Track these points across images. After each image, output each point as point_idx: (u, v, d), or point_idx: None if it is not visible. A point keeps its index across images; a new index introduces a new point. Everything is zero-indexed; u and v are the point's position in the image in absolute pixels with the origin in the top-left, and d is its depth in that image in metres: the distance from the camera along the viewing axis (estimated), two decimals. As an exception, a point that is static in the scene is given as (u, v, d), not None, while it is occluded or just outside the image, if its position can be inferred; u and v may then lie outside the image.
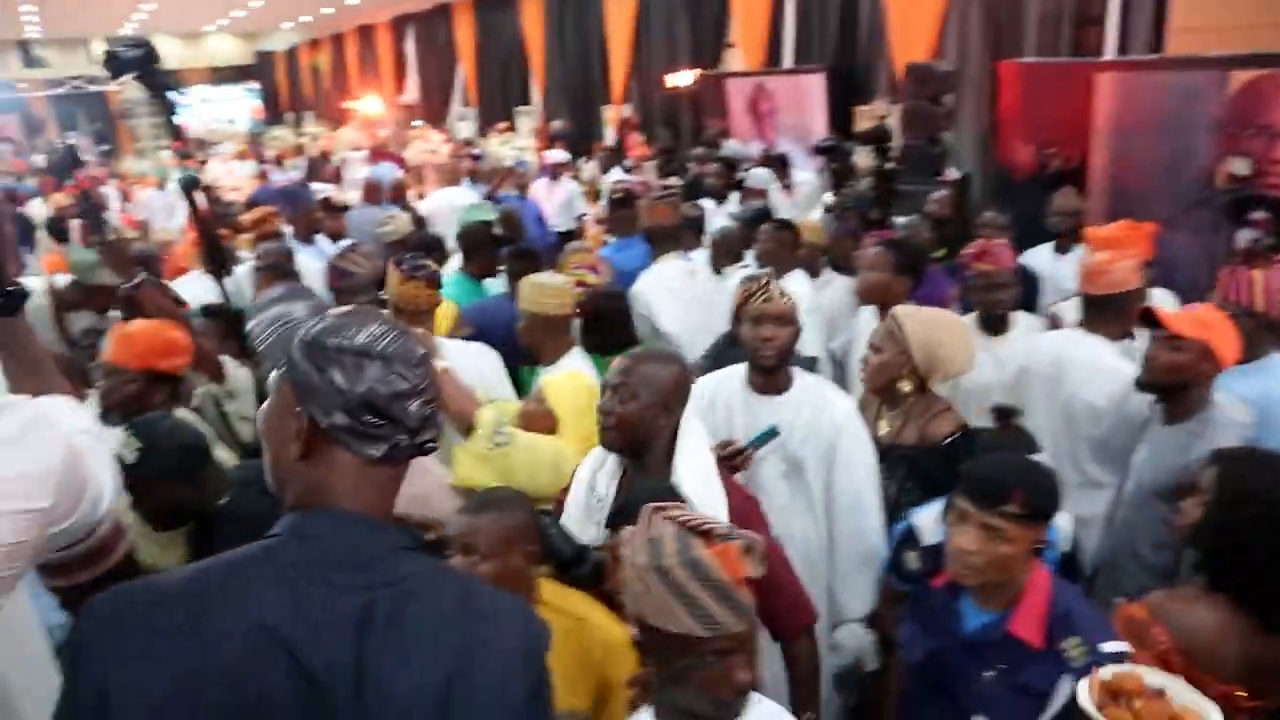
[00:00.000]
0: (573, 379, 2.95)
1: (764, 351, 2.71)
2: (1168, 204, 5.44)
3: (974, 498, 1.90)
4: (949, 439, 2.73)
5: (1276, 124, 4.99)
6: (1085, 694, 1.56)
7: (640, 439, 2.27)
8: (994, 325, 3.51)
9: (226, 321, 3.54)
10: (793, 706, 2.11)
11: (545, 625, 1.28)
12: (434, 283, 3.17)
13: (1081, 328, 3.19)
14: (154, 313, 3.45)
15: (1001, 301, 3.50)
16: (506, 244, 4.46)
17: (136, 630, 1.09)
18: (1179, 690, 1.54)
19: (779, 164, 7.73)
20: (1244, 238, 4.76)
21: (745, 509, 2.28)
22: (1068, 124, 6.07)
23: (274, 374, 1.28)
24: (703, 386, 2.85)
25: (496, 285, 4.33)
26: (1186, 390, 2.55)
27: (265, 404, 1.28)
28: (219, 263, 4.07)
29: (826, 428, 2.69)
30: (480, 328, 3.53)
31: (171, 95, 4.10)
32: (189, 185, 4.01)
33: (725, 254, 4.61)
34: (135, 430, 2.28)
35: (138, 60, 3.77)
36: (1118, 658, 1.76)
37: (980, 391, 3.27)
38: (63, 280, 4.42)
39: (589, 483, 2.40)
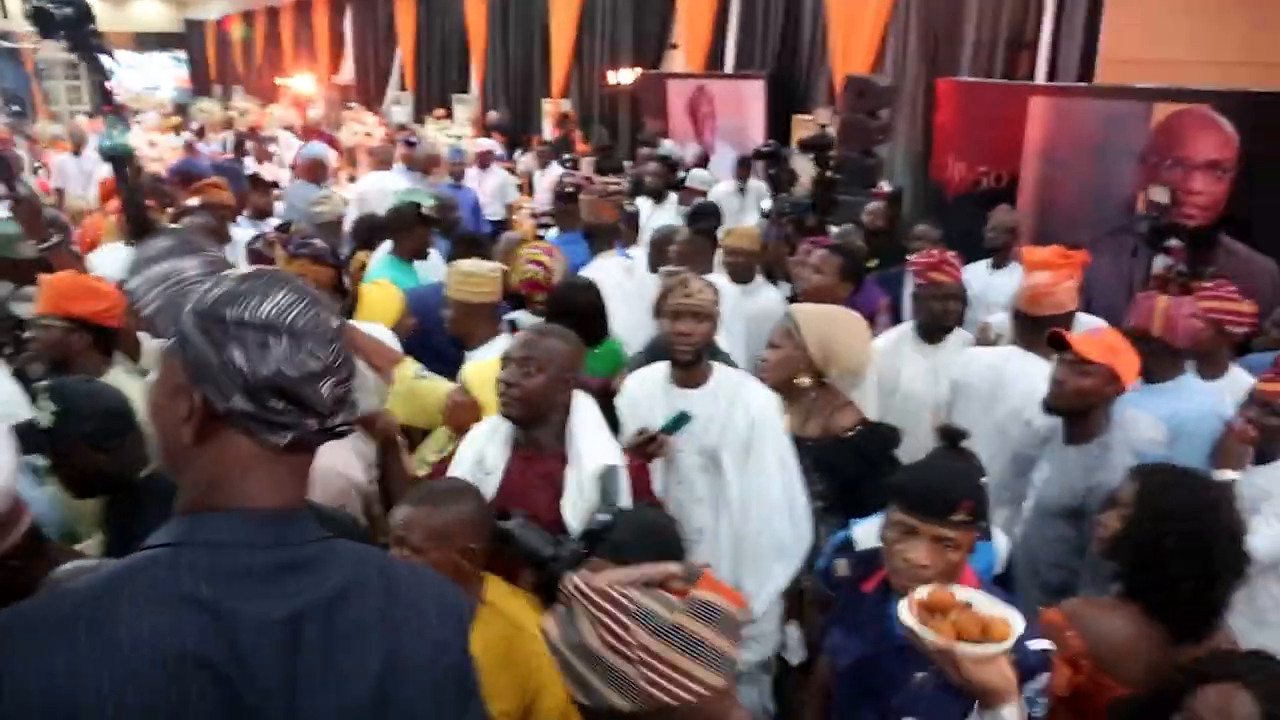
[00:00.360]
0: (494, 365, 2.92)
1: (681, 346, 2.76)
2: (1092, 227, 5.63)
3: (923, 511, 1.86)
4: (851, 431, 2.82)
5: (1194, 157, 5.19)
6: (905, 612, 1.64)
7: (540, 411, 2.36)
8: (932, 335, 3.56)
9: None
10: None
11: (462, 593, 1.23)
12: (320, 259, 3.14)
13: (1019, 346, 3.26)
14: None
15: (951, 312, 3.54)
16: (436, 226, 4.40)
17: (28, 667, 0.93)
18: (982, 601, 1.67)
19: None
20: (1160, 264, 4.95)
21: (639, 475, 2.44)
22: (1001, 144, 6.24)
23: (160, 345, 1.11)
24: (629, 383, 2.93)
25: (426, 268, 4.26)
26: (1090, 412, 2.62)
27: (151, 378, 1.16)
28: (143, 235, 3.90)
29: (741, 420, 2.74)
30: (420, 315, 3.46)
31: (105, 59, 3.89)
32: (120, 153, 3.84)
33: (663, 253, 4.60)
34: (53, 392, 2.20)
35: (69, 19, 3.59)
36: (1043, 656, 1.80)
37: (915, 398, 3.33)
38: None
39: (477, 455, 2.43)
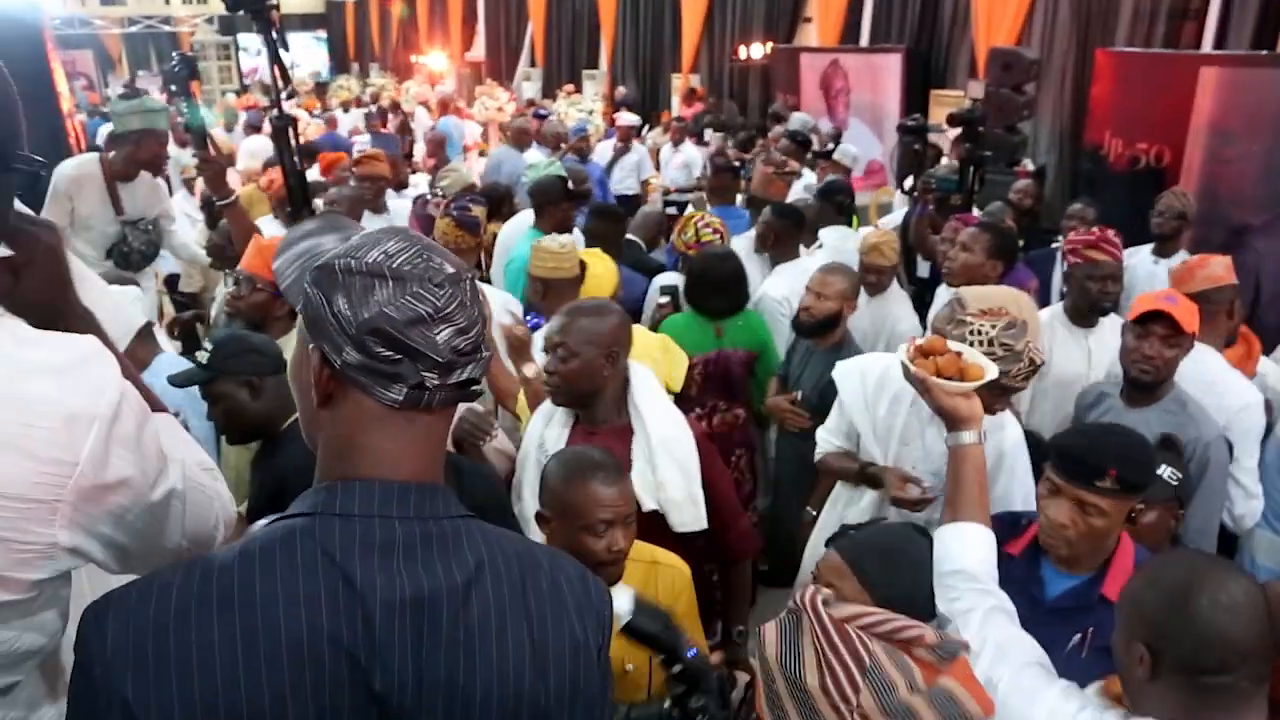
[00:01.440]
0: (642, 333, 2.96)
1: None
2: (1265, 208, 5.22)
3: (1068, 474, 1.87)
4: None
5: (1389, 131, 4.75)
6: (903, 350, 2.00)
7: (586, 392, 2.37)
8: (1085, 318, 3.34)
9: None
10: (725, 621, 2.52)
11: (604, 591, 1.14)
12: (464, 224, 3.65)
13: None
14: (240, 234, 3.56)
15: (1109, 294, 3.30)
16: (580, 200, 4.41)
17: (162, 646, 0.91)
18: (969, 352, 2.03)
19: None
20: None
21: (706, 448, 2.42)
22: (1164, 118, 5.84)
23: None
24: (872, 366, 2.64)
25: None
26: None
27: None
28: (303, 205, 4.06)
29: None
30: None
31: (240, 33, 4.15)
32: (284, 124, 3.99)
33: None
34: (212, 339, 2.41)
35: None
36: None
37: (1066, 384, 3.15)
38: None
39: (539, 439, 2.46)
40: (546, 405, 2.51)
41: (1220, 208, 5.45)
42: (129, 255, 4.48)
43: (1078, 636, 1.87)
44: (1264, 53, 6.20)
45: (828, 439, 2.73)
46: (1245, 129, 5.44)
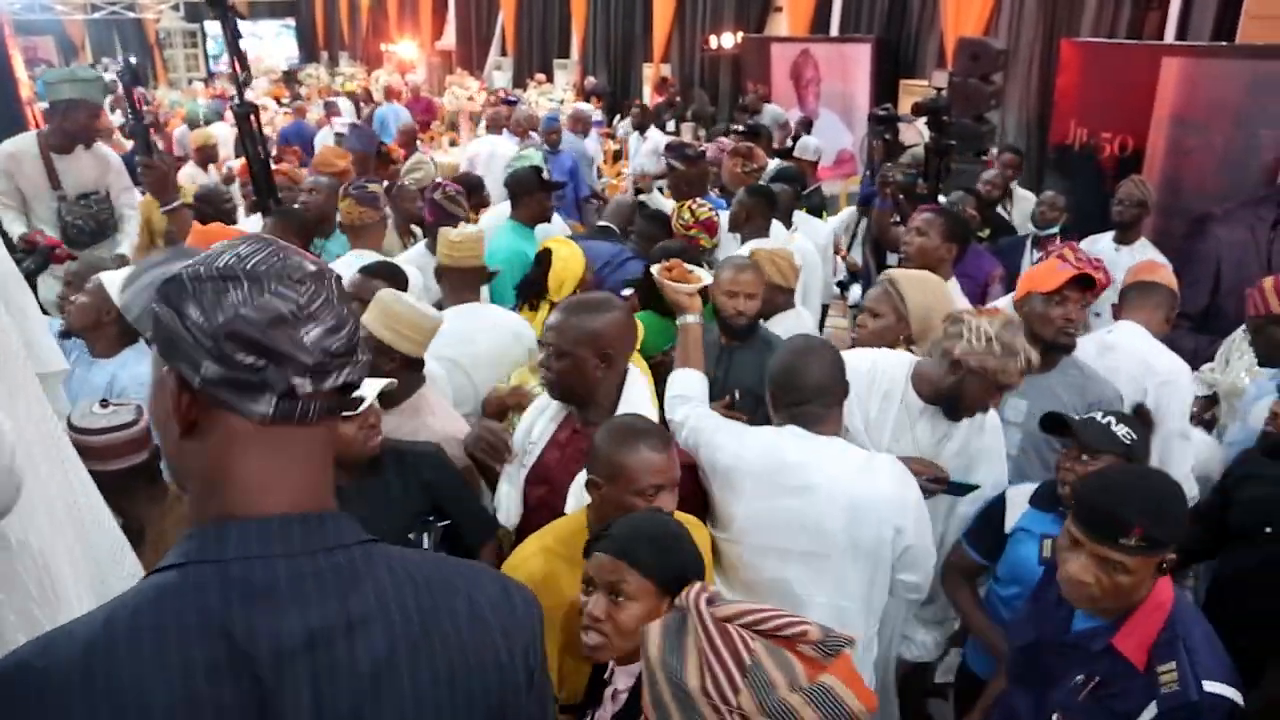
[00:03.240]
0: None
1: None
2: (1226, 197, 5.30)
3: (1090, 527, 1.74)
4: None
5: (1348, 121, 4.83)
6: (656, 268, 2.47)
7: (579, 391, 2.32)
8: None
9: None
10: None
11: (535, 602, 1.05)
12: (363, 200, 3.81)
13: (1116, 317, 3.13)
14: (183, 239, 3.49)
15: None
16: (555, 190, 4.39)
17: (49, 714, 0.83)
18: (698, 271, 2.59)
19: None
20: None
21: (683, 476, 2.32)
22: (1127, 108, 5.91)
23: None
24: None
25: (546, 232, 4.25)
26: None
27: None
28: (268, 195, 4.03)
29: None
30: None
31: (207, 20, 4.11)
32: (245, 111, 3.94)
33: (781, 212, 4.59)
34: None
35: None
36: (1216, 701, 1.66)
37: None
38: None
39: (528, 428, 2.44)
40: (544, 396, 2.47)
41: (1182, 197, 5.53)
42: (67, 231, 4.37)
43: (1080, 678, 1.84)
44: (1223, 44, 6.28)
45: None
46: (1205, 119, 5.51)
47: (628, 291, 3.52)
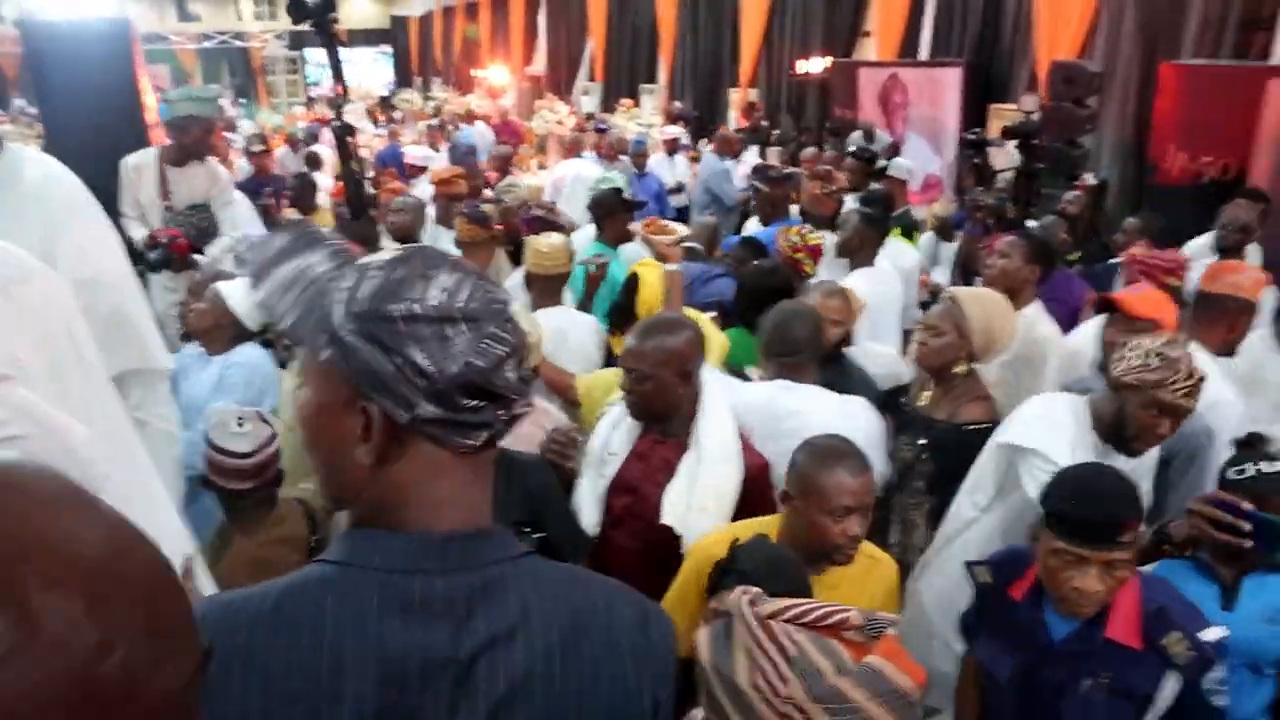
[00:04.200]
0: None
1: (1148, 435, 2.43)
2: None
3: (1091, 540, 1.80)
4: (976, 425, 2.73)
5: None
6: (640, 226, 3.07)
7: (663, 412, 2.39)
8: None
9: None
10: None
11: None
12: (474, 219, 4.08)
13: (1187, 330, 3.04)
14: None
15: None
16: (635, 209, 4.50)
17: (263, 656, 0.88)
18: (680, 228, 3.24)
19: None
20: None
21: (759, 477, 2.40)
22: (1230, 131, 5.75)
23: (303, 354, 0.95)
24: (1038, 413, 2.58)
25: (630, 251, 4.34)
26: None
27: (301, 396, 0.97)
28: (362, 209, 4.22)
29: None
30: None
31: (308, 47, 4.38)
32: (343, 132, 4.16)
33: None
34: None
35: (318, 8, 3.95)
36: (1219, 647, 1.78)
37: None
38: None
39: (604, 440, 2.50)
40: (617, 410, 2.53)
41: (1287, 222, 5.34)
42: None
43: (1089, 681, 1.86)
44: (1335, 65, 6.07)
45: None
46: (1313, 142, 5.33)
47: (712, 314, 3.59)
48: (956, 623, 2.29)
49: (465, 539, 0.94)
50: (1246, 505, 1.94)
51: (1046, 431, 2.37)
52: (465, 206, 4.25)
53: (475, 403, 0.89)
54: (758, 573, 1.69)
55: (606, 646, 0.97)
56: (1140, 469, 2.47)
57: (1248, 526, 1.90)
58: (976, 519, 2.56)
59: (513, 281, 3.84)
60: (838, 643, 1.24)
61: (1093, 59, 7.95)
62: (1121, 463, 2.30)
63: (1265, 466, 2.11)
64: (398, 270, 0.89)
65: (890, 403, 3.10)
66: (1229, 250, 4.41)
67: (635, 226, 3.35)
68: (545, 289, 3.51)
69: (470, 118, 12.97)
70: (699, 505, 2.31)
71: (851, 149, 7.90)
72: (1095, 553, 1.79)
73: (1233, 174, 5.77)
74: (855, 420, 2.63)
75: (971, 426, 2.77)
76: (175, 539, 1.68)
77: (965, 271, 5.30)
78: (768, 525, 2.14)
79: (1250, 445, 2.21)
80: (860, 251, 4.23)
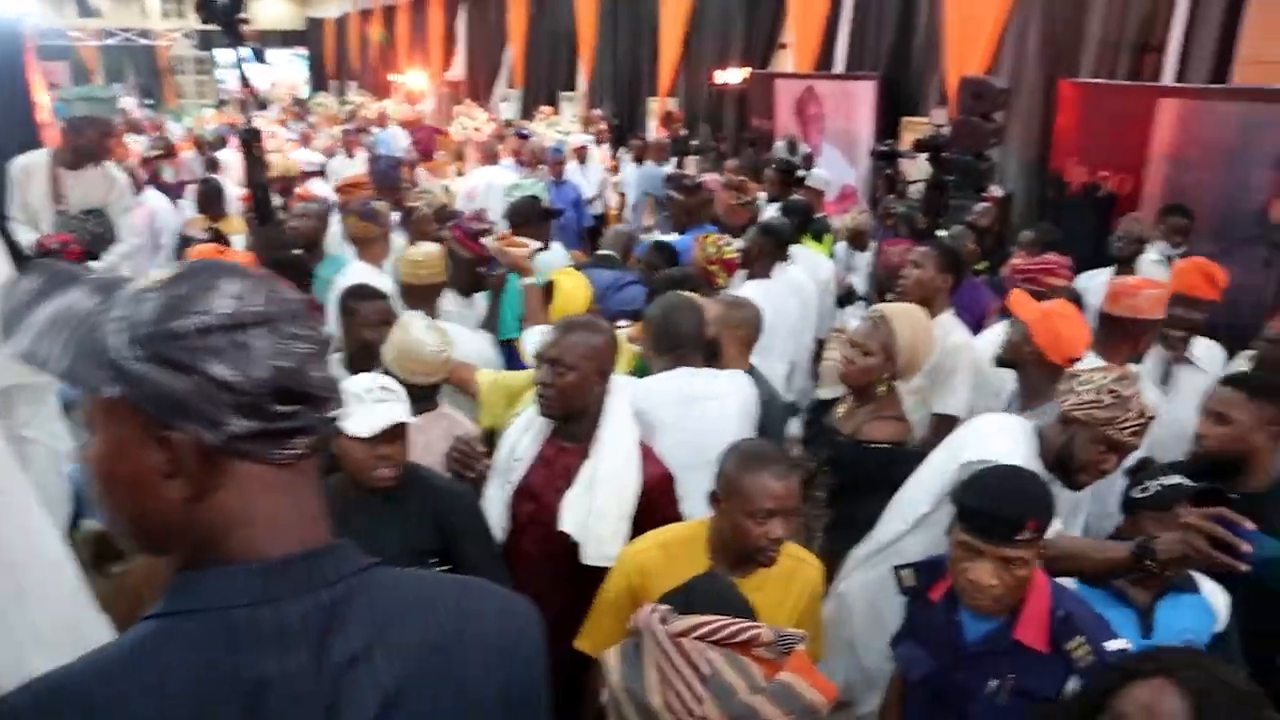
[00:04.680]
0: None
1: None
2: (1220, 236, 5.37)
3: (987, 534, 1.83)
4: (877, 445, 2.80)
5: (1338, 164, 4.91)
6: (492, 241, 3.24)
7: (577, 407, 2.39)
8: None
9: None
10: None
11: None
12: (364, 216, 4.10)
13: (1093, 349, 3.14)
14: None
15: None
16: (554, 219, 4.48)
17: None
18: (530, 242, 3.37)
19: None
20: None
21: (659, 487, 2.40)
22: (1125, 147, 6.00)
23: (84, 399, 0.87)
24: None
25: (547, 259, 4.31)
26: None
27: (84, 447, 0.89)
28: (266, 216, 4.11)
29: None
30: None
31: (248, 47, 4.21)
32: (249, 137, 4.04)
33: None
34: None
35: (226, 8, 3.84)
36: (1121, 656, 1.80)
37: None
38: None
39: (514, 442, 2.50)
40: (528, 414, 2.53)
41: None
42: None
43: (995, 682, 1.89)
44: (1218, 86, 6.37)
45: None
46: (1200, 159, 5.60)
47: (624, 323, 3.59)
48: (880, 627, 2.33)
49: (306, 559, 0.88)
50: (1249, 525, 1.83)
51: (1006, 445, 2.35)
52: (355, 204, 4.21)
53: (289, 408, 0.84)
54: (701, 601, 1.67)
55: (474, 646, 0.94)
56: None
57: (1247, 547, 1.78)
58: (908, 532, 2.54)
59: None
60: (749, 660, 1.23)
61: (999, 76, 8.23)
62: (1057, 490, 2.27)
63: (1165, 480, 2.17)
64: (179, 287, 0.83)
65: (812, 415, 3.15)
66: (1124, 261, 4.59)
67: (489, 240, 3.33)
68: (421, 298, 3.46)
69: (383, 121, 12.78)
70: (598, 512, 2.31)
71: (776, 159, 8.03)
72: (990, 547, 1.82)
73: (1128, 188, 6.02)
74: (745, 391, 2.93)
75: (873, 445, 2.81)
76: (54, 564, 1.60)
77: (879, 281, 5.41)
78: (695, 529, 2.15)
79: (1141, 469, 2.28)
80: (758, 262, 4.28)
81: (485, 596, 0.99)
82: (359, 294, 3.15)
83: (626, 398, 2.50)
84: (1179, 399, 3.21)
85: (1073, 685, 1.84)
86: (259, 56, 4.04)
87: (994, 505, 1.84)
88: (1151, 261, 4.71)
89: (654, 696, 1.21)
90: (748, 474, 2.00)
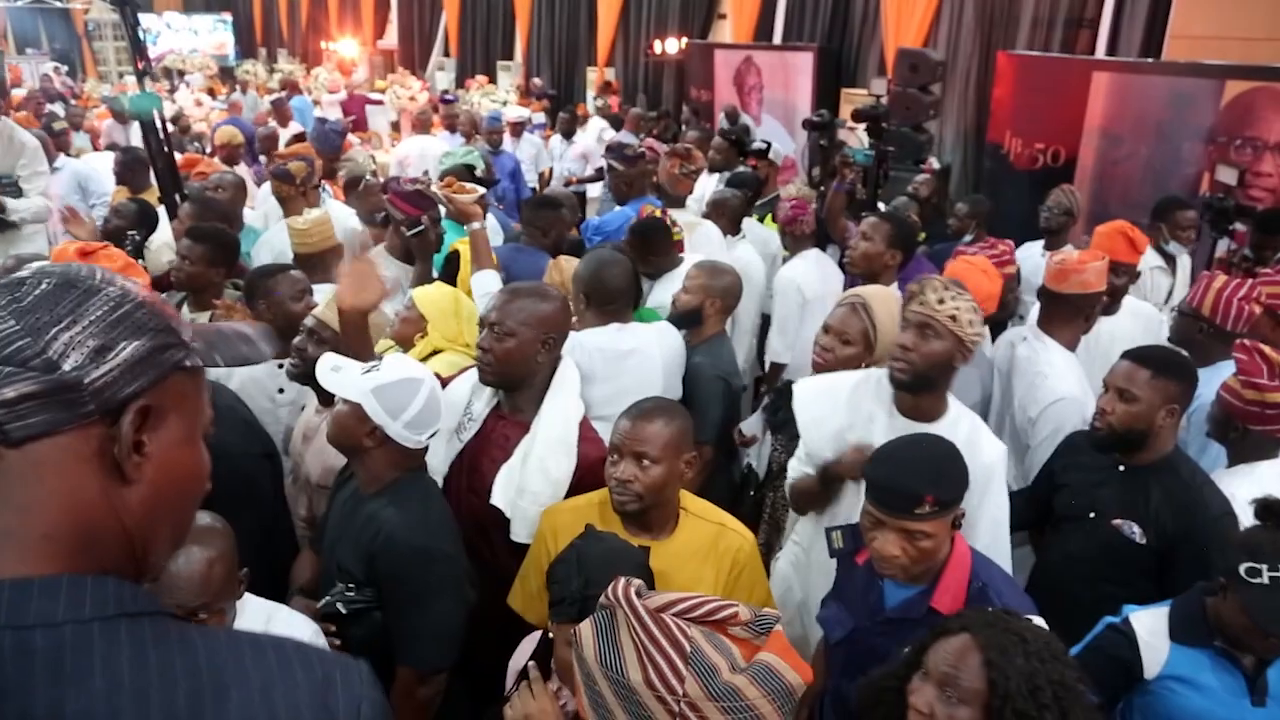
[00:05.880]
0: (438, 288, 3.16)
1: (898, 365, 2.32)
2: (1149, 207, 5.45)
3: (887, 506, 1.85)
4: None
5: (1264, 137, 5.02)
6: (437, 185, 3.29)
7: (517, 375, 2.32)
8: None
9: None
10: None
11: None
12: (277, 175, 4.20)
13: (1039, 325, 3.18)
14: None
15: (1005, 302, 3.49)
16: (488, 187, 4.38)
17: None
18: (471, 186, 3.39)
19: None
20: (1224, 247, 4.78)
21: (595, 469, 2.28)
22: (1060, 120, 6.07)
23: None
24: (806, 388, 2.57)
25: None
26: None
27: None
28: (173, 192, 3.96)
29: None
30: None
31: (141, 12, 4.00)
32: (146, 106, 3.86)
33: (728, 221, 4.61)
34: None
35: None
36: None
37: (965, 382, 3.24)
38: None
39: (466, 400, 2.42)
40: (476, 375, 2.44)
41: (1110, 207, 5.69)
42: None
43: (908, 649, 1.84)
44: (1149, 60, 6.48)
45: (800, 468, 2.55)
46: (1132, 132, 5.68)
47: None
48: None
49: (12, 587, 0.71)
50: None
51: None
52: (273, 166, 4.30)
53: None
54: (594, 564, 1.63)
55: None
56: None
57: None
58: None
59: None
60: (726, 638, 1.21)
61: (936, 48, 8.28)
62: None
63: None
64: None
65: (777, 400, 3.10)
66: (1053, 232, 4.65)
67: (435, 187, 3.39)
68: (316, 267, 3.44)
69: (294, 88, 12.33)
70: (530, 489, 2.26)
71: (725, 129, 7.95)
72: (890, 519, 1.84)
73: (1063, 160, 6.09)
74: (672, 342, 3.05)
75: None
76: None
77: (822, 231, 5.27)
78: (607, 493, 2.12)
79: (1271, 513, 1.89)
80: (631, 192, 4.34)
81: (296, 675, 0.79)
82: (268, 273, 3.05)
83: (573, 378, 2.44)
84: (1094, 366, 3.15)
85: None
86: (133, 14, 3.82)
87: (893, 478, 1.85)
88: (1153, 268, 4.40)
89: (633, 673, 1.17)
90: (618, 420, 2.05)
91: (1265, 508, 1.87)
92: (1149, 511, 2.34)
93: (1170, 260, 4.51)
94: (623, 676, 1.18)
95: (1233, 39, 5.83)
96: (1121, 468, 2.42)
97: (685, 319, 3.18)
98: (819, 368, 2.76)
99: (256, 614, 1.91)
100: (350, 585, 2.01)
